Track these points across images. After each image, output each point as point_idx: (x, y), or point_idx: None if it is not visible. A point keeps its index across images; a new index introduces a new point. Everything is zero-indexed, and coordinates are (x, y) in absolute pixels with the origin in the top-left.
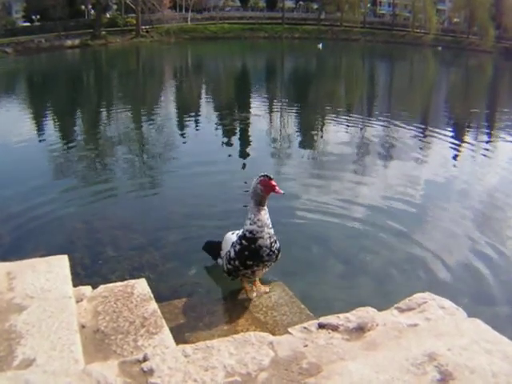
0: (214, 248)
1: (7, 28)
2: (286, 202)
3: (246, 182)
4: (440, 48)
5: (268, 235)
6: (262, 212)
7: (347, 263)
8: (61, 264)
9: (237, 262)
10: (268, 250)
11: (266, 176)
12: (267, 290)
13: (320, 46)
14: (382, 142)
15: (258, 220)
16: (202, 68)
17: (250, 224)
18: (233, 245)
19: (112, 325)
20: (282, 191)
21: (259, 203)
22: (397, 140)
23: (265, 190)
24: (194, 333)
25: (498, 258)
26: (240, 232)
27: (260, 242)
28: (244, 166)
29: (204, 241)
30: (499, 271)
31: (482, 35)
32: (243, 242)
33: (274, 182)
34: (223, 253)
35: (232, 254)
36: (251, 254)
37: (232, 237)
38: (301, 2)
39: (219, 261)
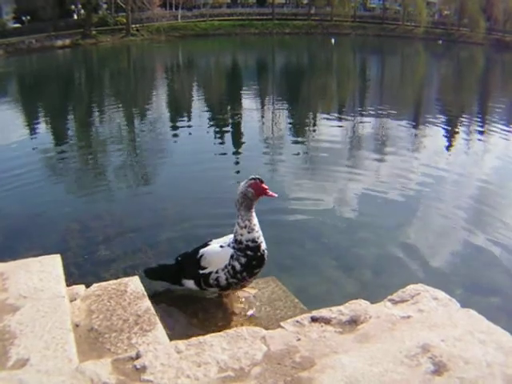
0: (171, 271)
1: None
2: (279, 198)
3: (239, 172)
4: (440, 41)
5: (262, 237)
6: (254, 215)
7: (340, 257)
8: (54, 263)
9: (244, 274)
10: (267, 252)
11: (257, 179)
12: (256, 291)
13: (333, 40)
14: (375, 136)
15: (255, 225)
16: (193, 65)
17: (249, 232)
18: (233, 258)
19: (106, 323)
20: (275, 194)
21: (250, 207)
22: (390, 133)
23: (256, 193)
24: (188, 329)
25: (490, 249)
26: (225, 241)
27: (262, 246)
28: (237, 162)
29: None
30: (492, 262)
31: (472, 27)
32: (248, 252)
33: (265, 185)
34: (210, 269)
35: (238, 267)
36: (258, 261)
37: (222, 251)
38: None
39: (187, 282)
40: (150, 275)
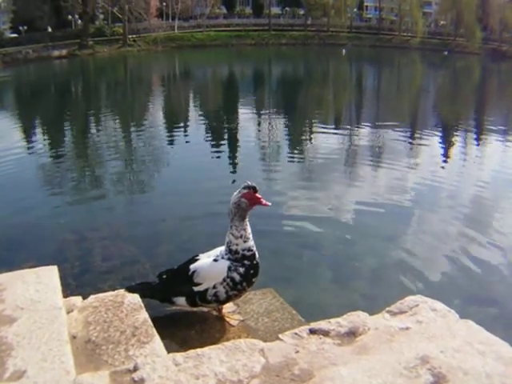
0: (158, 290)
1: None
2: (276, 209)
3: (235, 181)
4: (446, 52)
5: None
6: (248, 224)
7: (338, 268)
8: (51, 275)
9: (244, 284)
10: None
11: (250, 188)
12: (241, 318)
13: (344, 51)
14: (372, 146)
15: (249, 234)
16: (189, 76)
17: (245, 241)
18: (231, 270)
19: (103, 335)
20: (269, 203)
21: (244, 217)
22: (386, 144)
23: (250, 203)
24: (185, 341)
25: (488, 260)
26: (216, 254)
27: (256, 254)
28: (234, 172)
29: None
30: (490, 272)
31: (468, 37)
32: (245, 262)
33: (258, 194)
34: (206, 285)
35: (238, 278)
36: (255, 269)
37: (218, 264)
38: (287, 8)
39: (178, 300)
40: (134, 293)
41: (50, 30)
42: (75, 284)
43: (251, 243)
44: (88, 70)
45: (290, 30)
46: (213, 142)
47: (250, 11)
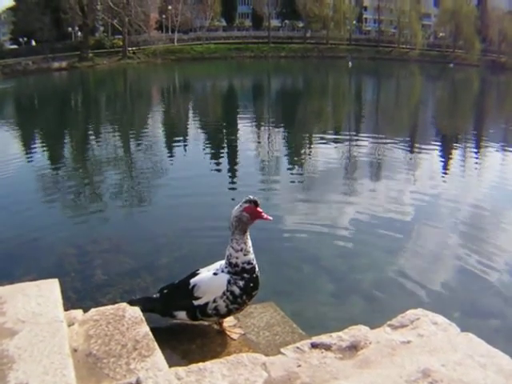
0: (159, 304)
1: None
2: (276, 223)
3: (235, 196)
4: (452, 65)
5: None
6: (249, 238)
7: (338, 282)
8: (51, 288)
9: (244, 297)
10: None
11: (252, 202)
12: (242, 332)
13: (350, 63)
14: (371, 159)
15: (250, 247)
16: (189, 89)
17: (245, 255)
18: (230, 283)
19: (104, 348)
20: (271, 217)
21: (245, 231)
22: (385, 158)
23: (251, 217)
24: (186, 355)
25: (487, 272)
26: (216, 268)
27: (256, 267)
28: (233, 185)
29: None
30: (490, 285)
31: (467, 49)
32: (245, 275)
33: (260, 208)
34: (206, 299)
35: (237, 292)
36: (255, 283)
37: (217, 278)
38: (286, 21)
39: (179, 314)
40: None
41: (33, 43)
42: (76, 297)
43: (251, 256)
44: (88, 82)
45: (289, 43)
46: (213, 155)
47: (250, 24)
